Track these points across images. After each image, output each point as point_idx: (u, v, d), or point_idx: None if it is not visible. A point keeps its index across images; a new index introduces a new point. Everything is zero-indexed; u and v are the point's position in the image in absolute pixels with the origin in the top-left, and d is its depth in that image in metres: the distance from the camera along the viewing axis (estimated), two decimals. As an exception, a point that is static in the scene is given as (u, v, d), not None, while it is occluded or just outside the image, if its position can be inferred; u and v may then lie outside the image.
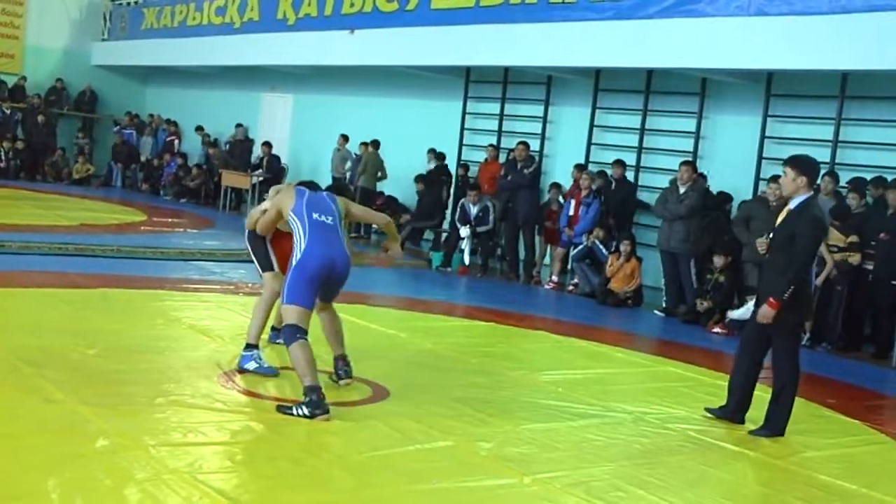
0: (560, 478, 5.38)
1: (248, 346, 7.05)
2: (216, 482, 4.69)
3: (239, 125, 21.67)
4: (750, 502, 5.50)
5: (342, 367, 6.91)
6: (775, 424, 6.75)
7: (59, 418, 5.47)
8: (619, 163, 13.96)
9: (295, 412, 5.95)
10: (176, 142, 23.12)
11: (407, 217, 16.61)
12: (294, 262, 6.28)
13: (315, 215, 6.38)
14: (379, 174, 17.82)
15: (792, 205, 6.75)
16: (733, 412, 6.98)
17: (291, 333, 6.16)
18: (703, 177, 12.71)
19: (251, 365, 6.97)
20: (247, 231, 7.34)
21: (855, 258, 10.58)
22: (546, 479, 5.32)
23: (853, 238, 10.57)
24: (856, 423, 7.50)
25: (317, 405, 5.95)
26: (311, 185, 6.79)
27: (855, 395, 8.73)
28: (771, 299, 6.56)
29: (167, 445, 5.17)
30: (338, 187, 7.25)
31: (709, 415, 7.06)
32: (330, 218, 6.45)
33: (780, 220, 6.85)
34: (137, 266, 11.54)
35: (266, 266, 7.25)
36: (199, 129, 23.02)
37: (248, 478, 4.95)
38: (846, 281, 10.66)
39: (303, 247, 6.27)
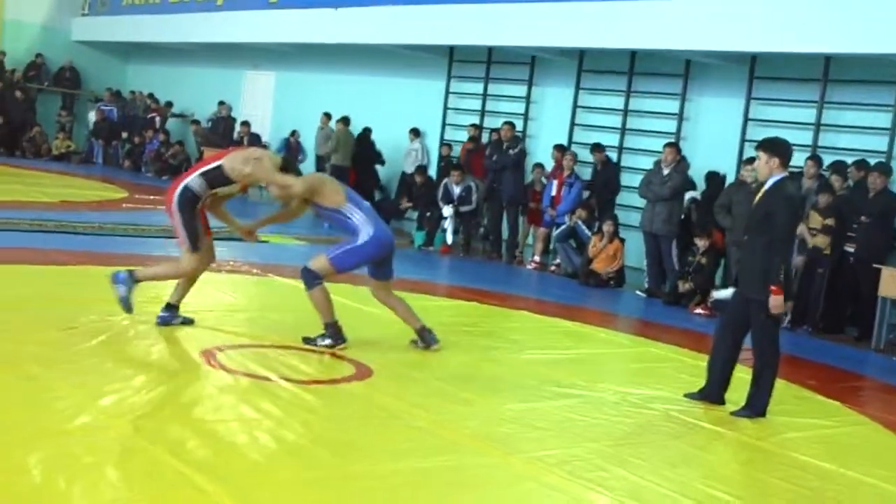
0: (543, 457, 5.38)
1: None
2: (197, 461, 4.67)
3: (222, 102, 21.54)
4: (730, 482, 5.52)
5: (428, 336, 7.50)
6: (756, 405, 6.78)
7: (39, 394, 5.44)
8: (598, 147, 13.83)
9: (318, 343, 7.02)
10: (157, 119, 22.96)
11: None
12: (367, 238, 7.09)
13: (366, 204, 7.27)
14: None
15: (767, 185, 6.77)
16: (713, 393, 7.00)
17: (312, 278, 7.03)
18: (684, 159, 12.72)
19: (121, 289, 7.15)
20: (177, 199, 7.09)
21: (818, 240, 10.55)
22: (529, 459, 5.33)
23: (829, 221, 10.59)
24: (836, 405, 7.54)
25: (336, 336, 7.04)
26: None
27: (835, 376, 8.77)
28: (772, 287, 6.55)
29: (150, 423, 5.15)
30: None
31: (688, 400, 7.06)
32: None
33: (756, 200, 6.87)
34: (119, 243, 11.45)
35: (194, 245, 7.19)
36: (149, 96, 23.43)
37: (230, 457, 4.94)
38: (828, 263, 10.70)
39: (371, 230, 7.08)
